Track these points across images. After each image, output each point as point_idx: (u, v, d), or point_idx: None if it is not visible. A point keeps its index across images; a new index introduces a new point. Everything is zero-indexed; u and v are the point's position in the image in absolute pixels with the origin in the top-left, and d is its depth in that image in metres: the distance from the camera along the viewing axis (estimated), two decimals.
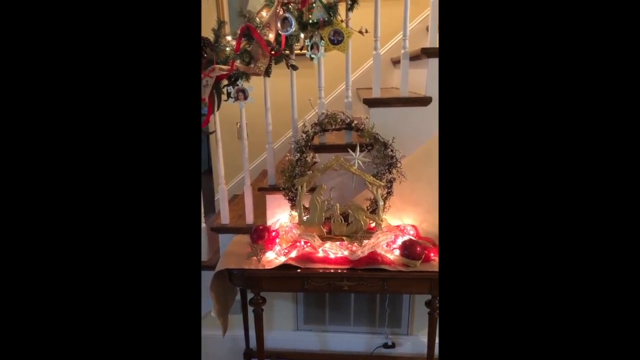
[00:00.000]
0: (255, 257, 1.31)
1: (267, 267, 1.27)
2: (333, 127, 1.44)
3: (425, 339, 1.75)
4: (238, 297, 1.70)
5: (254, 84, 1.43)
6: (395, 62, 2.20)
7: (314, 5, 1.31)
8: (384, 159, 1.39)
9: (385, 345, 1.83)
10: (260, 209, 1.64)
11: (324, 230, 1.40)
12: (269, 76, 1.44)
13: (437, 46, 1.41)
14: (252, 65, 1.37)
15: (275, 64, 1.43)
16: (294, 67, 1.46)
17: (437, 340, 1.38)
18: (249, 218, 1.61)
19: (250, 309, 1.40)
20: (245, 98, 1.43)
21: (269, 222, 1.57)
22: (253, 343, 1.63)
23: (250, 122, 1.76)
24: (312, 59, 1.39)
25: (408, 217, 1.54)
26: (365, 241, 1.32)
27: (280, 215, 1.56)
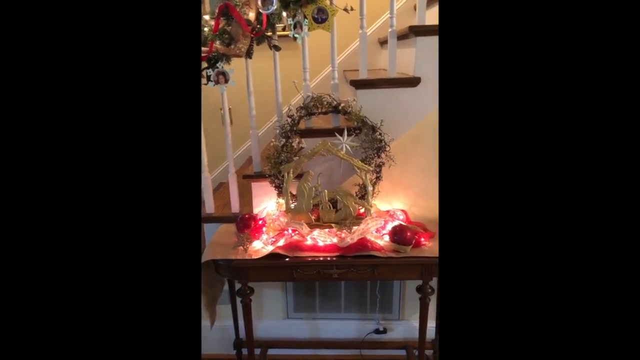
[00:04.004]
0: (241, 247, 1.27)
1: (254, 256, 1.24)
2: (319, 110, 1.38)
3: (416, 324, 1.74)
4: (226, 287, 1.66)
5: (235, 67, 1.37)
6: (383, 42, 2.14)
7: None
8: (372, 143, 1.35)
9: (377, 331, 1.82)
10: (246, 197, 1.59)
11: (312, 217, 1.36)
12: (250, 58, 1.38)
13: (426, 24, 1.36)
14: (232, 47, 1.31)
15: (257, 44, 1.36)
16: (277, 48, 1.40)
17: (428, 325, 1.37)
18: (235, 207, 1.57)
19: (238, 299, 1.37)
20: (226, 81, 1.36)
21: (256, 211, 1.52)
22: (243, 333, 1.60)
23: (234, 107, 1.69)
24: (295, 38, 1.32)
25: (398, 202, 1.51)
26: (355, 227, 1.29)
27: (267, 203, 1.52)
